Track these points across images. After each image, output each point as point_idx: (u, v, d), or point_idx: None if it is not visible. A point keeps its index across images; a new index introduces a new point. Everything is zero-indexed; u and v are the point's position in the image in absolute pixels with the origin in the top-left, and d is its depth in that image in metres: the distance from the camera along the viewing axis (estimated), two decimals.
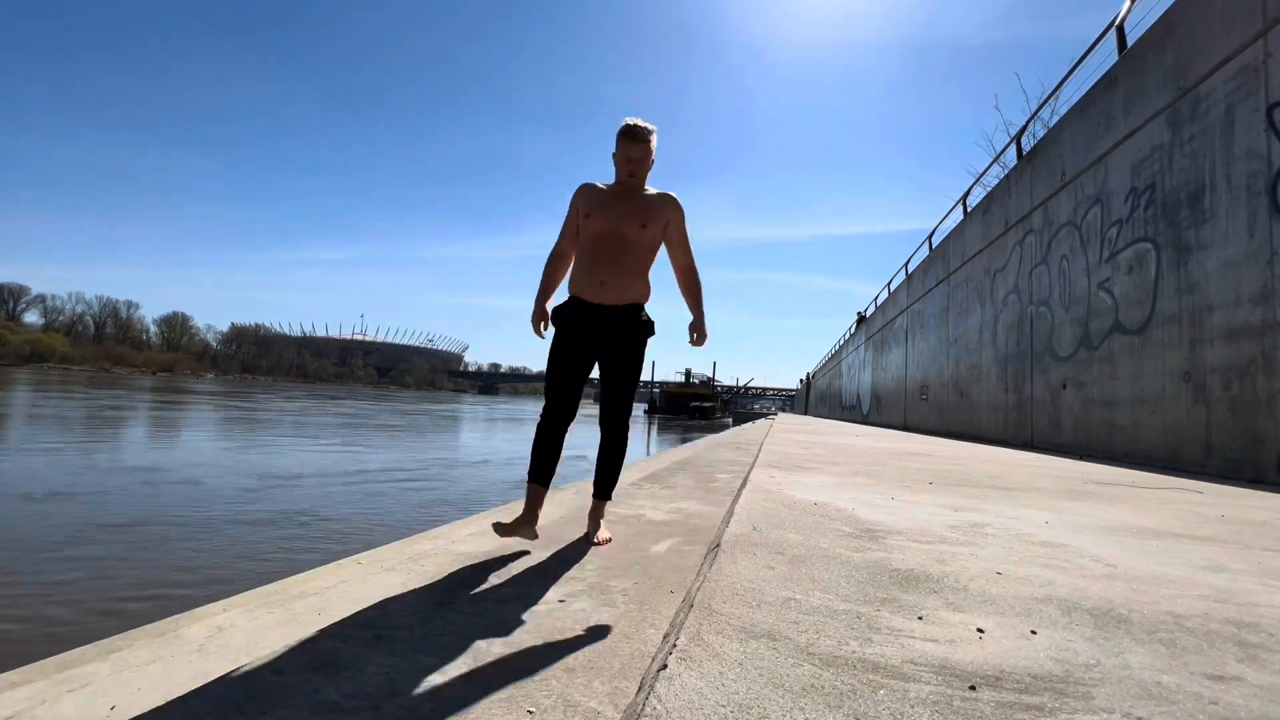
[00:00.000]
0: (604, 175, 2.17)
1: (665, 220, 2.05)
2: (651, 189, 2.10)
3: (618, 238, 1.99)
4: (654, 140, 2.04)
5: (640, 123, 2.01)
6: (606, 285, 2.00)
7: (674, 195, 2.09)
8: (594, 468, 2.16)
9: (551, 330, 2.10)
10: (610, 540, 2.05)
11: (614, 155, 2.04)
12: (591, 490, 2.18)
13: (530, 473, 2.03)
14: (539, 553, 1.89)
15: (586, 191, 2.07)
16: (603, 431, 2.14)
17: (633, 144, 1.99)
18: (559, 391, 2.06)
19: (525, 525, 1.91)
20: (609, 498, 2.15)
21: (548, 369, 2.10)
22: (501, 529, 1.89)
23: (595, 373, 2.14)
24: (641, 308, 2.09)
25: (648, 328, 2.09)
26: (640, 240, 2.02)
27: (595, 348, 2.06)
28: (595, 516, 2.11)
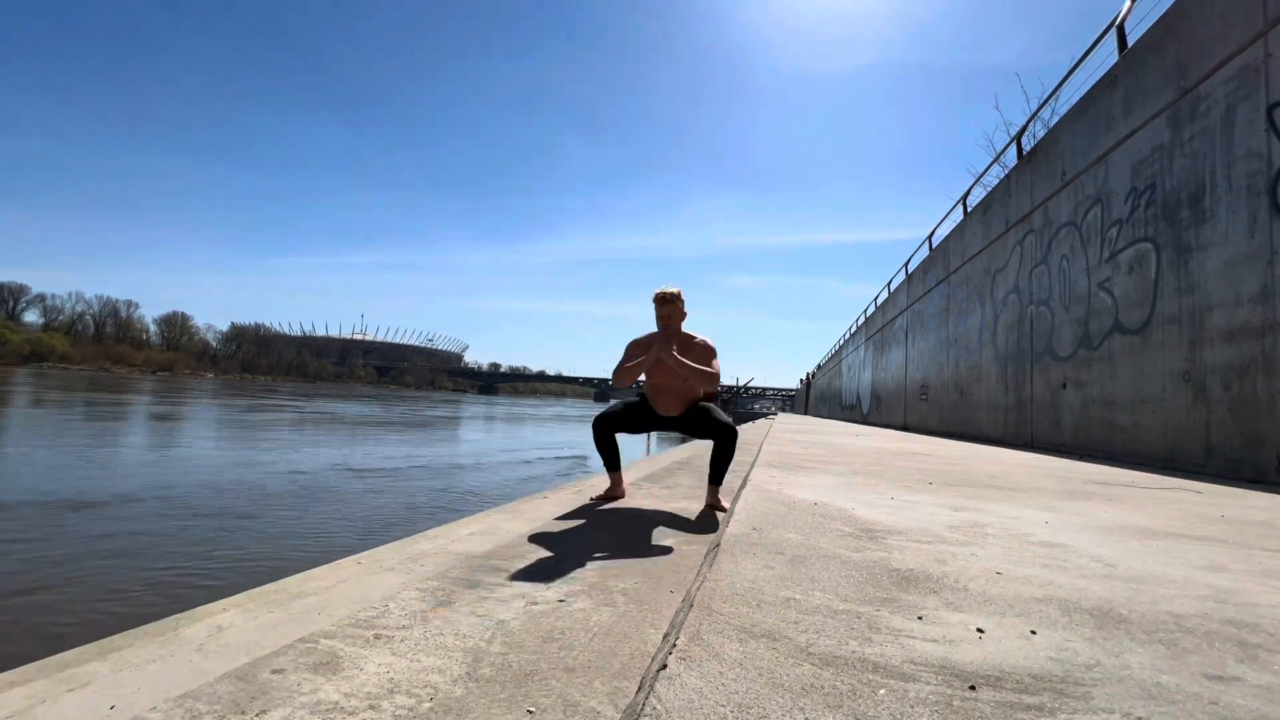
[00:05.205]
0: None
1: (701, 357, 2.78)
2: (695, 336, 2.84)
3: (672, 384, 2.79)
4: (680, 301, 2.83)
5: (666, 289, 2.81)
6: (673, 407, 2.82)
7: (709, 341, 2.83)
8: (709, 465, 2.84)
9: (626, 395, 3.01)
10: (726, 508, 2.55)
11: (656, 317, 2.83)
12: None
13: (606, 466, 2.93)
14: (538, 553, 1.89)
15: (634, 346, 2.85)
16: (714, 441, 2.77)
17: (662, 306, 2.80)
18: (615, 422, 2.83)
19: (614, 494, 2.92)
20: (720, 483, 2.79)
21: (619, 407, 2.87)
22: (596, 500, 2.85)
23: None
24: (698, 401, 2.85)
25: (709, 400, 2.87)
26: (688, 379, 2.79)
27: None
28: (711, 495, 2.77)
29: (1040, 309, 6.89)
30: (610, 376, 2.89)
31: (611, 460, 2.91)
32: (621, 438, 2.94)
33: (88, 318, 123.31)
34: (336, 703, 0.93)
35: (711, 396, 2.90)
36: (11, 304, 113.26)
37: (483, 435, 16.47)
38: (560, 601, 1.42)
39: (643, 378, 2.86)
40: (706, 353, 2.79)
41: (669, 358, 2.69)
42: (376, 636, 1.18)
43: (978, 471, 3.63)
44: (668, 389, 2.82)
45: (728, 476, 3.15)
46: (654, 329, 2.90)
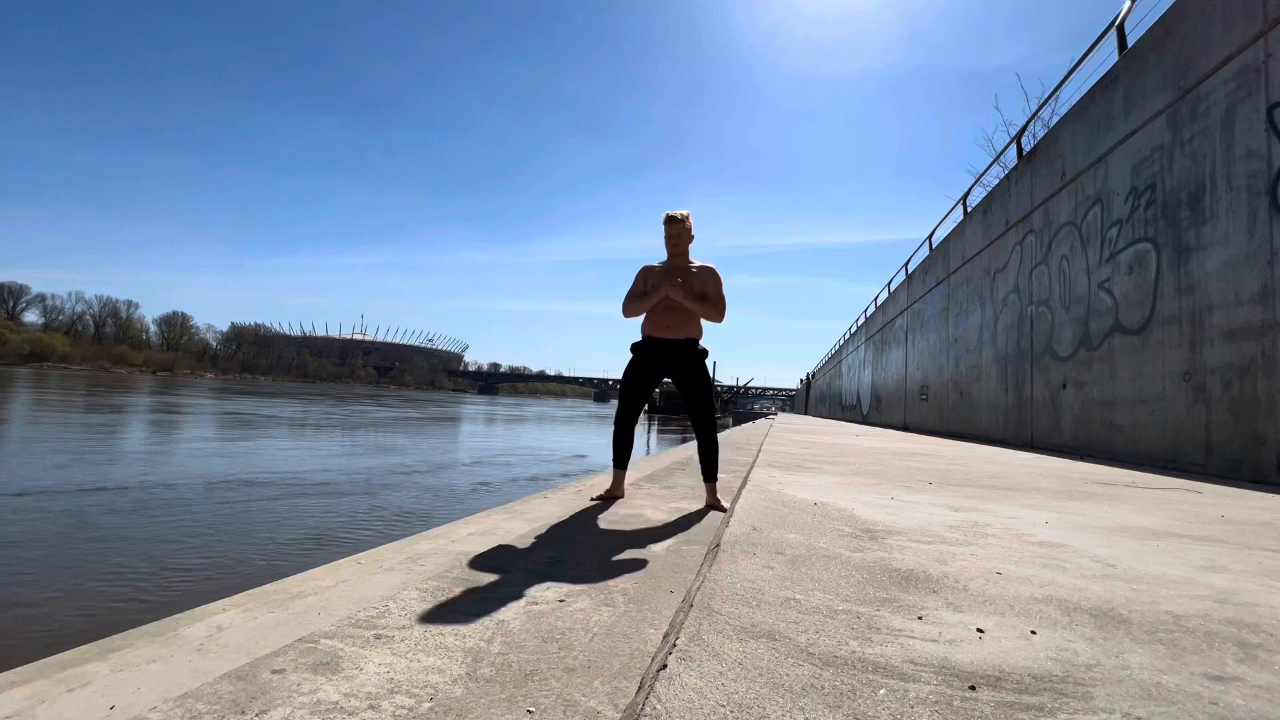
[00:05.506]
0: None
1: (705, 283, 2.84)
2: (696, 261, 2.92)
3: (673, 301, 2.81)
4: (689, 221, 2.91)
5: (676, 211, 2.90)
6: (669, 327, 2.85)
7: (712, 266, 2.90)
8: (699, 461, 2.88)
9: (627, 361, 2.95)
10: (725, 508, 2.58)
11: (664, 238, 2.91)
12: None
13: (613, 461, 2.96)
14: (538, 553, 1.89)
15: (646, 271, 2.93)
16: (696, 433, 2.86)
17: (671, 225, 2.89)
18: (628, 400, 2.91)
19: (614, 494, 2.93)
20: (715, 480, 2.84)
21: (623, 383, 2.93)
22: (596, 499, 2.87)
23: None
24: (697, 340, 2.89)
25: (703, 353, 2.90)
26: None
27: (665, 371, 2.86)
28: (710, 494, 2.82)
29: (1040, 309, 6.89)
30: (622, 304, 2.95)
31: (621, 457, 2.96)
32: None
33: (88, 318, 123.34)
34: (336, 703, 0.93)
35: (718, 309, 2.90)
36: (11, 304, 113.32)
37: (432, 441, 12.40)
38: (560, 601, 1.42)
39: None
40: (712, 277, 2.87)
41: (677, 294, 2.76)
42: (376, 636, 1.18)
43: (978, 472, 3.63)
44: (669, 307, 2.88)
45: (727, 476, 3.16)
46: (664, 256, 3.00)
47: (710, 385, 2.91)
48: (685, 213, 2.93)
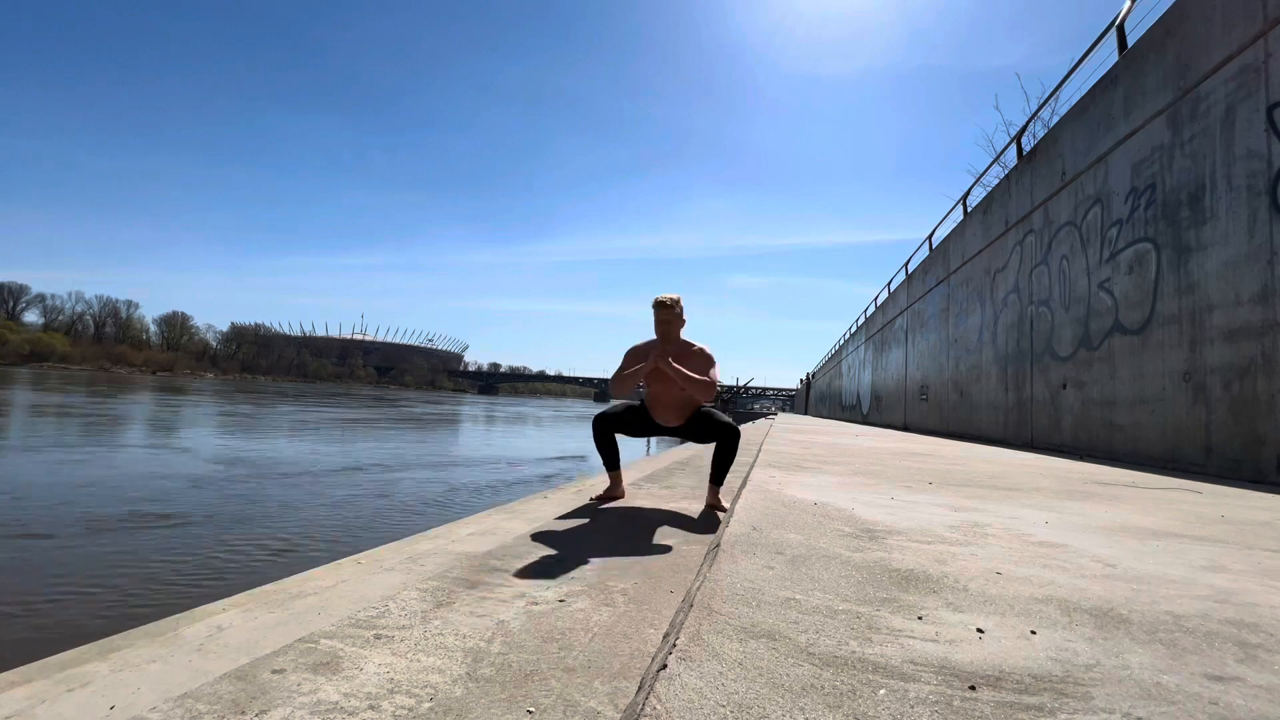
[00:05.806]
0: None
1: (697, 365, 2.78)
2: (693, 343, 2.86)
3: (670, 394, 2.80)
4: (679, 307, 2.84)
5: (665, 296, 2.82)
6: (671, 418, 2.85)
7: (706, 349, 2.84)
8: (710, 465, 2.89)
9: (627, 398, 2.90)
10: (727, 508, 2.54)
11: (654, 323, 2.85)
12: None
13: (604, 464, 2.95)
14: (538, 553, 1.89)
15: (634, 351, 2.88)
16: (716, 444, 2.81)
17: (660, 311, 2.81)
18: (615, 424, 2.86)
19: (614, 494, 2.95)
20: (721, 483, 2.83)
21: (618, 405, 2.89)
22: (596, 499, 2.89)
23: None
24: (699, 408, 2.86)
25: (708, 411, 2.86)
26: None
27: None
28: (712, 495, 2.82)
29: (1040, 309, 6.89)
30: (609, 380, 2.90)
31: (611, 460, 2.91)
32: (621, 437, 2.94)
33: (88, 318, 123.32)
34: (336, 703, 0.93)
35: (707, 390, 2.88)
36: (11, 304, 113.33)
37: (337, 447, 10.17)
38: (560, 601, 1.42)
39: (643, 386, 2.85)
40: (704, 361, 2.78)
41: (666, 366, 2.67)
42: (376, 636, 1.18)
43: (978, 472, 3.63)
44: (666, 399, 2.81)
45: (728, 477, 3.15)
46: (653, 335, 2.90)
47: (717, 417, 2.83)
48: (676, 297, 2.82)
